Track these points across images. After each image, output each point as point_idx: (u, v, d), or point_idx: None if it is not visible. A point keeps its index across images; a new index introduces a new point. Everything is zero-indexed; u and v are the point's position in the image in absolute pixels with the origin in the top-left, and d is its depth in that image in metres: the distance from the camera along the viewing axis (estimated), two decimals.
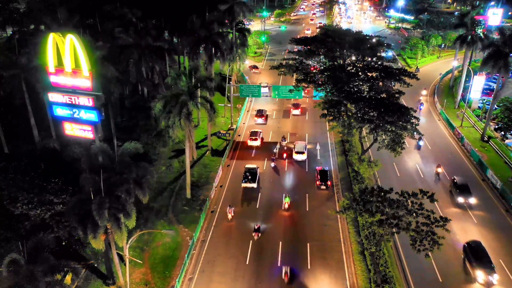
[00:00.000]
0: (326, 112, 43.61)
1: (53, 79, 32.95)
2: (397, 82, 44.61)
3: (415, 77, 45.98)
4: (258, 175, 44.59)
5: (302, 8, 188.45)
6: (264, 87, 66.15)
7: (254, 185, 42.93)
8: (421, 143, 53.13)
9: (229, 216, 38.21)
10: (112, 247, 28.98)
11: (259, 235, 35.57)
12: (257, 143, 53.32)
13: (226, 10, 61.89)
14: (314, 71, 50.51)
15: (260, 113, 61.91)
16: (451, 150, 52.76)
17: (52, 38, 31.13)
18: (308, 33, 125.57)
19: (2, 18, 56.35)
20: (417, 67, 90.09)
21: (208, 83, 39.98)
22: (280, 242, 35.01)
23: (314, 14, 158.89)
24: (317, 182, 43.68)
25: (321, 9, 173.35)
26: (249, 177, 43.17)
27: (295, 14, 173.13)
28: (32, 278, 21.58)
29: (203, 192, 42.67)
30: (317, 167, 46.21)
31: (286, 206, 39.69)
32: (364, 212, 27.35)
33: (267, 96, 63.64)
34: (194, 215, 38.89)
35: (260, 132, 55.29)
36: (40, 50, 34.83)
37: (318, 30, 69.45)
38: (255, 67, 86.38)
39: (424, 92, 73.75)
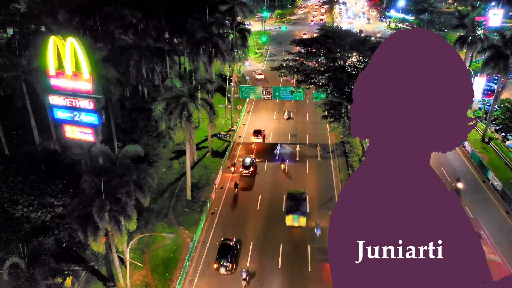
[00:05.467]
0: (327, 113, 43.62)
1: (53, 82, 32.90)
2: None
3: None
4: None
5: None
6: (259, 74, 76.65)
7: (270, 96, 60.03)
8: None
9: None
10: (112, 250, 29.01)
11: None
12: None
13: (226, 10, 61.86)
14: (315, 65, 50.54)
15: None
16: (451, 151, 52.60)
17: (52, 41, 31.12)
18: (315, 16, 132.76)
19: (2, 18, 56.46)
20: None
21: (208, 86, 40.04)
22: (281, 244, 35.15)
23: (317, 5, 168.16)
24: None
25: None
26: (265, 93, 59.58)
27: (310, 2, 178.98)
28: (32, 281, 21.61)
29: (203, 194, 42.67)
30: None
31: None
32: None
33: (267, 98, 62.94)
34: (194, 217, 38.89)
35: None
36: (41, 52, 34.84)
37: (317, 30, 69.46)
38: (260, 73, 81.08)
39: (460, 185, 42.22)
